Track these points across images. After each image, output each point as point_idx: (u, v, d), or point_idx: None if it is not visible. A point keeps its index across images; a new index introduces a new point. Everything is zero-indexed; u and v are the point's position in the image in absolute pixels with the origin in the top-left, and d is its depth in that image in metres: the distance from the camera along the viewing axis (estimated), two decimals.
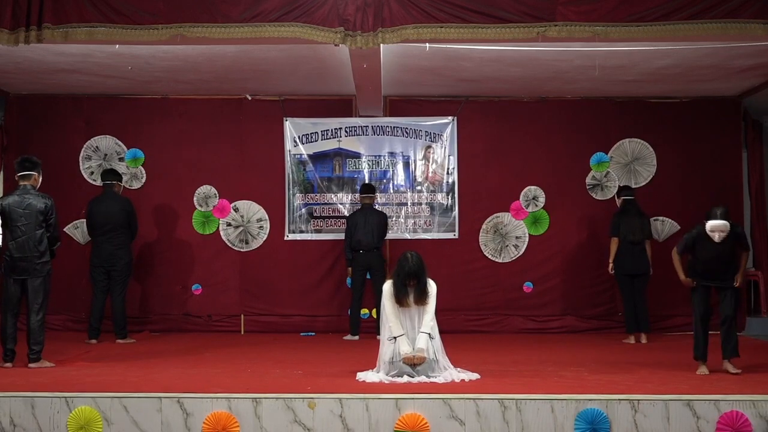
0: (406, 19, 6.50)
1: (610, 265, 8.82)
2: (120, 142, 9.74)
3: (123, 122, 9.75)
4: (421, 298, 6.27)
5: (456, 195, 9.79)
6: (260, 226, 9.76)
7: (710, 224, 6.42)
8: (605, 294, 9.63)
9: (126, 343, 8.60)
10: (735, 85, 9.19)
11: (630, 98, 9.79)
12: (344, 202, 9.77)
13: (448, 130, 9.80)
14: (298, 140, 9.76)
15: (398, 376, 6.13)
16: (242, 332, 9.62)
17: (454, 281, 9.47)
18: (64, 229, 9.45)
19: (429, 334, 6.26)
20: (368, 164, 9.81)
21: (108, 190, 8.83)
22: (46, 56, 7.94)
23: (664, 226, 9.67)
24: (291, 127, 9.76)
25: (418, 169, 9.83)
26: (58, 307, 9.31)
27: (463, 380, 6.17)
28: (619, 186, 9.46)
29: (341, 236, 9.41)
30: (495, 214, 9.80)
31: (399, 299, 6.27)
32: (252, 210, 9.77)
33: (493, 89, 9.46)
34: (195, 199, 9.74)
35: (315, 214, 9.78)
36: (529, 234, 9.79)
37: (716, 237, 6.42)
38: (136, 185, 9.70)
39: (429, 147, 9.82)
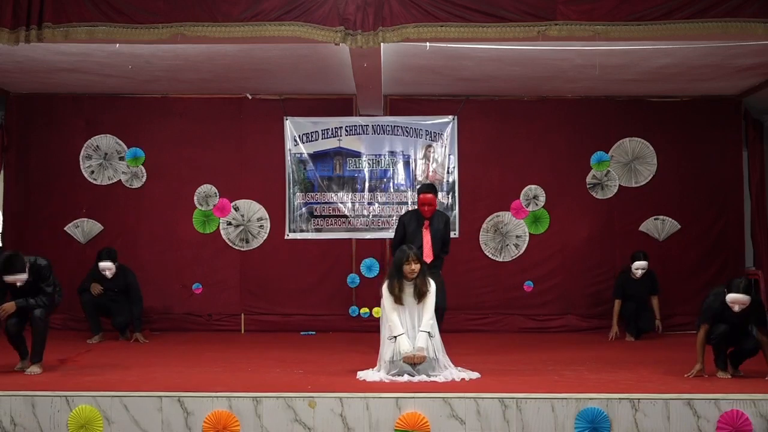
0: (406, 18, 6.49)
1: None
2: (120, 141, 9.74)
3: (123, 121, 9.74)
4: (423, 284, 6.25)
5: (456, 194, 9.78)
6: (260, 225, 9.75)
7: (731, 297, 6.21)
8: (606, 293, 9.61)
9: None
10: (735, 84, 9.18)
11: (630, 97, 9.78)
12: (344, 201, 9.77)
13: (449, 129, 9.79)
14: (298, 139, 9.76)
15: (398, 375, 6.13)
16: (243, 331, 9.62)
17: (454, 280, 9.40)
18: (65, 228, 9.50)
19: (429, 332, 6.27)
20: (368, 163, 9.80)
21: None
22: (46, 55, 7.93)
23: (664, 225, 9.67)
24: (291, 126, 9.76)
25: (419, 168, 9.82)
26: (59, 307, 9.30)
27: (463, 379, 6.18)
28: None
29: (341, 235, 9.43)
30: (495, 213, 9.80)
31: (392, 290, 6.25)
32: (252, 209, 9.77)
33: (494, 88, 9.45)
34: (195, 198, 9.73)
35: (315, 214, 9.77)
36: (530, 233, 9.78)
37: (736, 308, 6.23)
38: (137, 184, 9.69)
39: (429, 146, 9.81)
